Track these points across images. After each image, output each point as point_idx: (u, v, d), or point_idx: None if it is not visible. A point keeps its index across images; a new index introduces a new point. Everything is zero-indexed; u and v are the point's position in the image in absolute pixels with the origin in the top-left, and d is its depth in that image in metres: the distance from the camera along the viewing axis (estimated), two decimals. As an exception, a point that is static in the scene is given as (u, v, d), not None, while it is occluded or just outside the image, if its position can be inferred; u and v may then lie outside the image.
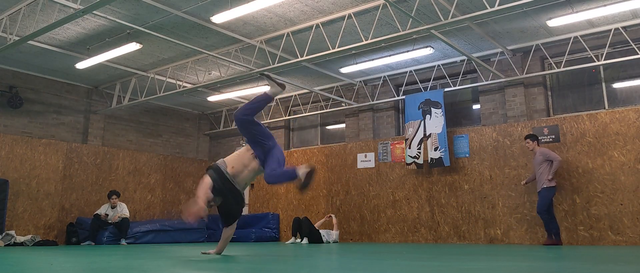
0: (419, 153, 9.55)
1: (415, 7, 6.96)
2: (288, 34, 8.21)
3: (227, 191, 4.68)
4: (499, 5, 6.39)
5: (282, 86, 4.92)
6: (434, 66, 9.76)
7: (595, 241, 7.70)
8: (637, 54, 7.62)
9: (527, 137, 8.02)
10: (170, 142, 13.06)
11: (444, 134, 9.26)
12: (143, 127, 12.49)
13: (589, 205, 7.86)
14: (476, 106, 9.81)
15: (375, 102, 10.52)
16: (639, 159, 7.60)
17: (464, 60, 9.45)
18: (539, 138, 8.10)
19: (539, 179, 7.69)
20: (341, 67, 9.92)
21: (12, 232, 9.11)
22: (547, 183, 7.54)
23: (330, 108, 11.24)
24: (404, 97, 10.00)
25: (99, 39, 8.49)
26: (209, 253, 5.07)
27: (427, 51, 8.87)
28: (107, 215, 9.69)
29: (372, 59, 9.43)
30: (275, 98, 5.30)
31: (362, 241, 10.14)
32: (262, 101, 4.85)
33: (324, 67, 9.98)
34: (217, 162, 4.84)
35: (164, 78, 10.28)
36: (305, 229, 9.25)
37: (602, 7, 7.14)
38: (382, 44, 8.44)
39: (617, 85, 8.47)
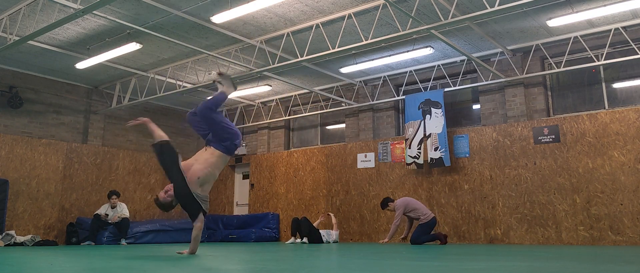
0: (419, 153, 9.54)
1: (415, 7, 6.97)
2: (288, 34, 8.21)
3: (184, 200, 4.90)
4: (499, 5, 6.39)
5: (234, 86, 5.37)
6: (434, 66, 9.75)
7: (595, 241, 7.70)
8: (637, 54, 7.62)
9: (384, 207, 8.75)
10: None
11: (444, 134, 9.26)
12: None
13: (589, 205, 7.86)
14: (476, 106, 9.81)
15: (375, 102, 10.51)
16: (639, 159, 7.60)
17: (464, 60, 9.45)
18: (540, 137, 8.46)
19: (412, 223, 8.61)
20: (341, 67, 9.91)
21: (12, 232, 9.11)
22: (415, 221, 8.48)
23: (330, 108, 11.24)
24: (404, 97, 10.00)
25: (99, 39, 8.49)
26: (182, 253, 4.97)
27: (427, 51, 8.87)
28: (107, 215, 9.68)
29: (372, 59, 9.43)
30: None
31: (362, 241, 10.14)
32: (221, 99, 5.31)
33: (324, 67, 9.97)
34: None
35: (164, 78, 10.28)
36: (305, 229, 9.24)
37: (602, 7, 7.14)
38: (382, 44, 8.44)
39: (617, 85, 8.47)
